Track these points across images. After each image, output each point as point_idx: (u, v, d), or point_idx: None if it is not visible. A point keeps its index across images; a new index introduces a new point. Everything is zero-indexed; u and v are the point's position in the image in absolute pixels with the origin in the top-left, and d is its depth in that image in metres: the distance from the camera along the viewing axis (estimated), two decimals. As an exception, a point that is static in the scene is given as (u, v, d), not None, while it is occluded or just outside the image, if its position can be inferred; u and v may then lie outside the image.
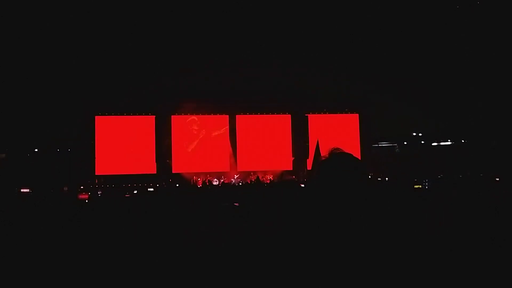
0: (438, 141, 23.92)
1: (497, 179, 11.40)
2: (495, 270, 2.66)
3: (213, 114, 21.28)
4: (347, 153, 2.17)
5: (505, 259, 2.80)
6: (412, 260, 1.91)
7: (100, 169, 19.87)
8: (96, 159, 19.88)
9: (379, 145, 23.68)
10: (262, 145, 21.10)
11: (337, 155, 2.12)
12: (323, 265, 1.83)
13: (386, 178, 18.93)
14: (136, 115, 20.56)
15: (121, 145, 20.11)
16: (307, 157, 21.48)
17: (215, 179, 19.88)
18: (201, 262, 3.01)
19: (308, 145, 21.59)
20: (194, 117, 20.96)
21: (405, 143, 24.57)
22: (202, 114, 21.08)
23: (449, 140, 23.69)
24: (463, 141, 23.22)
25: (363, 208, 1.94)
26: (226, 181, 19.86)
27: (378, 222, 1.99)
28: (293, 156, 21.55)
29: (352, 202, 1.92)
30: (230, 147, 21.10)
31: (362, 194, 1.95)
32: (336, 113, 22.29)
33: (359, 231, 1.89)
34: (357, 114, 22.31)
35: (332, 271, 1.82)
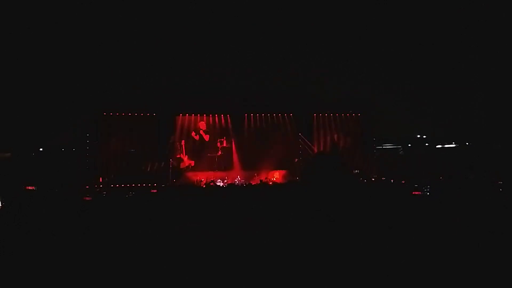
0: (443, 144, 23.83)
1: (500, 182, 11.34)
2: (497, 272, 2.66)
3: (217, 114, 21.31)
4: (330, 154, 2.21)
5: (506, 261, 2.80)
6: (407, 261, 1.92)
7: (104, 168, 19.93)
8: (100, 158, 19.94)
9: (383, 147, 23.61)
10: (266, 146, 21.11)
11: (320, 156, 2.16)
12: (309, 263, 1.85)
13: (392, 180, 18.87)
14: (140, 114, 20.61)
15: (125, 144, 20.17)
16: (311, 158, 21.45)
17: (219, 180, 19.91)
18: (203, 262, 3.02)
19: (312, 146, 21.60)
20: (204, 123, 21.06)
21: (409, 145, 24.49)
22: (206, 114, 21.14)
23: (453, 143, 23.59)
24: (467, 143, 23.11)
25: (349, 204, 1.96)
26: (229, 182, 19.88)
27: (369, 219, 2.00)
28: (296, 157, 21.55)
29: (336, 199, 1.95)
30: (234, 147, 21.13)
31: (344, 190, 1.98)
32: (340, 114, 22.30)
33: (349, 227, 1.91)
34: (361, 116, 22.32)
35: (317, 269, 1.83)
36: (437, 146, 23.93)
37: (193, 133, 21.05)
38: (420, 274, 2.10)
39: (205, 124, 21.25)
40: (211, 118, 21.32)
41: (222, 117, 21.38)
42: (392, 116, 21.21)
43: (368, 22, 17.82)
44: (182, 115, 21.02)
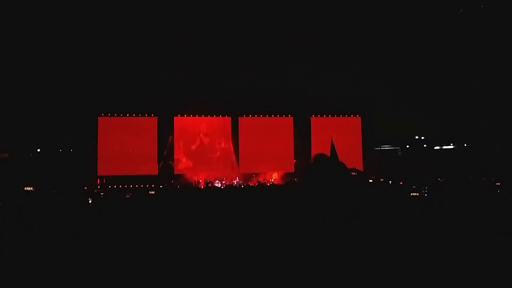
0: (441, 145, 23.85)
1: (498, 183, 11.33)
2: (497, 273, 2.67)
3: (216, 116, 21.29)
4: (331, 157, 2.22)
5: (506, 261, 2.80)
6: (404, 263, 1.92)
7: (102, 169, 19.88)
8: (98, 159, 19.89)
9: (382, 148, 23.62)
10: (264, 147, 21.10)
11: (321, 160, 2.16)
12: (307, 264, 1.84)
13: (390, 182, 18.88)
14: (138, 116, 20.58)
15: (124, 146, 20.13)
16: (310, 159, 21.41)
17: (217, 181, 19.89)
18: (203, 262, 3.02)
19: (311, 147, 21.58)
20: (203, 124, 21.05)
21: (407, 146, 24.51)
22: (204, 116, 21.11)
23: (451, 144, 23.61)
24: (465, 144, 23.14)
25: (349, 207, 1.96)
26: (227, 183, 19.87)
27: (368, 221, 2.00)
28: (295, 158, 21.54)
29: (338, 202, 1.95)
30: (232, 149, 21.12)
31: (346, 194, 1.98)
32: (338, 115, 22.28)
33: (347, 230, 1.91)
34: (360, 117, 22.30)
35: (315, 270, 1.83)
36: (435, 147, 23.95)
37: (192, 134, 21.02)
38: (419, 275, 2.09)
39: (204, 125, 21.22)
40: (210, 119, 21.29)
41: (221, 118, 21.36)
42: (391, 117, 21.26)
43: (368, 23, 17.85)
44: (180, 116, 20.99)
